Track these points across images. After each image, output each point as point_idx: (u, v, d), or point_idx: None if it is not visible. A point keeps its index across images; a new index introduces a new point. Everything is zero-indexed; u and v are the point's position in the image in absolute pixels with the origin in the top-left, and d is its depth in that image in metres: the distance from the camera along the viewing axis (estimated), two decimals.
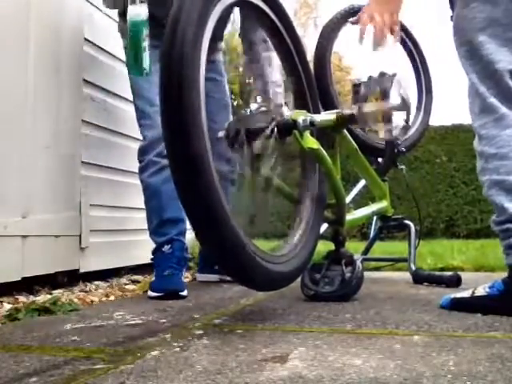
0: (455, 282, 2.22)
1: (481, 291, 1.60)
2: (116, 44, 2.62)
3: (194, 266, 2.83)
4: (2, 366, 1.09)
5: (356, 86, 2.50)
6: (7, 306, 1.82)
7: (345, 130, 2.08)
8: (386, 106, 1.91)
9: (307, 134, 1.66)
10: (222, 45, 2.55)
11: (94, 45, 2.60)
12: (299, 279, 1.85)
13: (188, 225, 2.12)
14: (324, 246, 2.18)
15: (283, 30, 1.80)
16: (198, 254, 2.76)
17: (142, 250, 2.53)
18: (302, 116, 1.63)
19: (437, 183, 8.95)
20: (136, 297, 2.20)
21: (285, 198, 1.86)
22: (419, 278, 2.37)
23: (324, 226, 2.15)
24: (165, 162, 1.97)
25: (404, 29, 2.79)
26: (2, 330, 1.49)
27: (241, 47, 2.56)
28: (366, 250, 2.81)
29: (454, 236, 8.39)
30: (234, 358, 1.12)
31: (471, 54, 1.62)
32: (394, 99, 1.96)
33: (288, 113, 1.66)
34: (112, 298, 2.17)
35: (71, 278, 2.37)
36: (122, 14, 2.23)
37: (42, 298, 1.99)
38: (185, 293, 2.06)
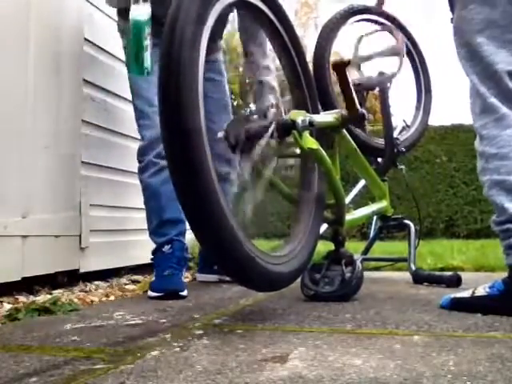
0: (455, 282, 2.22)
1: (481, 291, 1.60)
2: (116, 44, 2.62)
3: (193, 266, 2.83)
4: (2, 366, 1.09)
5: (355, 86, 2.51)
6: (7, 306, 1.82)
7: (344, 130, 2.09)
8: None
9: (306, 134, 1.66)
10: (222, 44, 2.54)
11: (94, 45, 2.60)
12: (299, 279, 1.86)
13: (188, 225, 2.12)
14: (324, 246, 2.18)
15: (282, 31, 1.80)
16: (198, 254, 2.76)
17: (142, 250, 2.53)
18: (301, 116, 1.63)
19: (437, 183, 8.94)
20: (136, 297, 2.20)
21: (284, 198, 1.86)
22: (419, 278, 2.37)
23: (324, 226, 2.15)
24: (164, 162, 1.96)
25: (402, 28, 2.79)
26: (1, 330, 1.49)
27: (241, 47, 2.56)
28: (366, 250, 2.81)
29: (453, 236, 8.38)
30: (234, 357, 1.12)
31: (471, 56, 1.62)
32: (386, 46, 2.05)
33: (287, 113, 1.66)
34: (112, 297, 2.17)
35: (71, 278, 2.37)
36: (123, 13, 2.23)
37: (42, 297, 1.99)
38: (185, 293, 2.06)
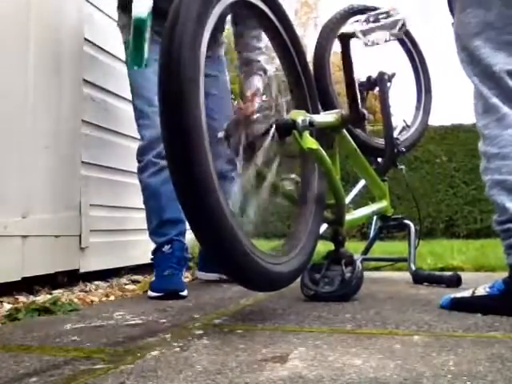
0: (455, 282, 2.22)
1: (481, 291, 1.60)
2: (116, 44, 2.62)
3: (193, 266, 2.83)
4: (2, 366, 1.09)
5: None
6: (7, 306, 1.82)
7: (344, 130, 2.09)
8: None
9: (306, 134, 1.66)
10: (223, 39, 2.52)
11: (94, 45, 2.60)
12: (299, 279, 1.85)
13: (188, 225, 2.12)
14: (324, 246, 2.18)
15: (282, 31, 1.80)
16: (198, 253, 2.76)
17: (142, 250, 2.53)
18: (301, 116, 1.63)
19: (437, 183, 8.94)
20: (136, 297, 2.20)
21: (284, 198, 1.86)
22: (419, 278, 2.37)
23: (324, 226, 2.15)
24: (164, 162, 1.97)
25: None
26: (1, 330, 1.49)
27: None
28: (366, 250, 2.81)
29: (453, 236, 8.38)
30: (234, 357, 1.12)
31: (470, 59, 1.64)
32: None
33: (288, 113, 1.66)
34: (112, 298, 2.17)
35: (71, 278, 2.37)
36: (124, 8, 2.23)
37: (42, 297, 1.99)
38: (185, 293, 2.06)
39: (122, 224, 2.78)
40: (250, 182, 1.60)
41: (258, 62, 2.46)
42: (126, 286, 2.46)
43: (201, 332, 1.39)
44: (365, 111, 2.06)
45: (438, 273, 2.50)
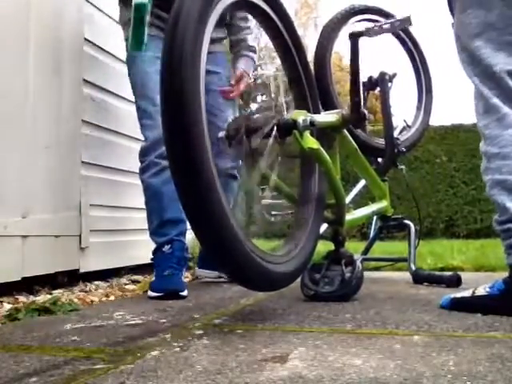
0: (455, 282, 2.22)
1: (481, 291, 1.60)
2: (116, 44, 2.63)
3: (193, 266, 2.83)
4: (2, 366, 1.09)
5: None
6: (7, 306, 1.82)
7: (345, 130, 2.09)
8: None
9: (307, 134, 1.66)
10: (225, 35, 2.51)
11: (94, 45, 2.60)
12: (299, 279, 1.85)
13: (188, 225, 2.12)
14: (324, 246, 2.18)
15: (283, 30, 1.80)
16: (199, 253, 2.75)
17: (142, 250, 2.53)
18: (301, 116, 1.63)
19: (437, 183, 8.94)
20: (136, 297, 2.20)
21: (284, 197, 1.86)
22: (419, 278, 2.37)
23: (324, 226, 2.15)
24: (166, 163, 1.96)
25: (403, 28, 2.79)
26: (1, 330, 1.49)
27: None
28: (366, 250, 2.81)
29: (453, 236, 8.38)
30: (234, 357, 1.12)
31: (471, 59, 1.64)
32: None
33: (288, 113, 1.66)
34: (112, 298, 2.17)
35: (71, 278, 2.37)
36: (125, 2, 2.23)
37: (42, 297, 1.99)
38: (185, 293, 2.06)
39: (122, 224, 2.78)
40: (250, 182, 1.60)
41: (245, 41, 2.48)
42: (126, 286, 2.46)
43: (201, 332, 1.39)
44: (365, 111, 2.05)
45: (438, 273, 2.49)
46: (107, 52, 2.69)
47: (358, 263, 1.92)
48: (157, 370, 1.04)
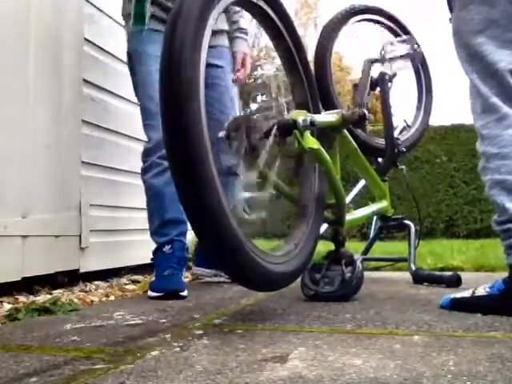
0: (455, 282, 2.22)
1: (481, 291, 1.60)
2: (116, 44, 2.63)
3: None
4: (2, 366, 1.09)
5: (356, 86, 2.52)
6: (7, 306, 1.82)
7: (345, 130, 2.08)
8: None
9: (307, 133, 1.66)
10: (226, 28, 2.50)
11: (94, 45, 2.60)
12: (299, 279, 1.85)
13: (189, 225, 2.12)
14: (324, 246, 2.18)
15: (284, 30, 1.80)
16: (194, 250, 2.74)
17: (142, 250, 2.53)
18: (302, 116, 1.63)
19: (437, 183, 8.94)
20: (136, 297, 2.20)
21: (285, 197, 1.86)
22: (419, 278, 2.37)
23: (324, 226, 2.15)
24: (167, 163, 1.96)
25: (403, 28, 2.79)
26: (1, 330, 1.49)
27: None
28: (366, 250, 2.80)
29: (453, 236, 8.38)
30: (234, 357, 1.12)
31: (471, 56, 1.62)
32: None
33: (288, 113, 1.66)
34: (112, 298, 2.17)
35: (71, 278, 2.37)
36: None
37: (42, 297, 1.99)
38: (185, 293, 2.06)
39: (122, 224, 2.78)
40: (250, 182, 1.59)
41: (237, 23, 2.49)
42: (126, 286, 2.46)
43: (201, 332, 1.39)
44: (365, 111, 2.05)
45: (438, 273, 2.49)
46: (107, 52, 2.69)
47: (358, 263, 1.92)
48: (157, 369, 1.04)
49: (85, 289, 2.32)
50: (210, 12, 1.42)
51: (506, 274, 1.58)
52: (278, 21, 1.77)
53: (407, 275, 2.44)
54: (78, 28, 2.48)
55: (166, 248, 2.18)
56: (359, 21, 2.62)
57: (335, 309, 1.70)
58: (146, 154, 2.24)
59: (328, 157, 1.77)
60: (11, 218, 2.03)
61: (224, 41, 2.46)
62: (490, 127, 1.58)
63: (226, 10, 2.48)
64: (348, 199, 2.46)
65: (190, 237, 2.26)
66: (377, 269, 2.92)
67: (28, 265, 2.09)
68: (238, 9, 2.48)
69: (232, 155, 1.54)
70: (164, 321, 1.57)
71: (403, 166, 2.63)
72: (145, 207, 2.28)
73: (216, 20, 1.46)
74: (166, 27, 1.37)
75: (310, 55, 2.53)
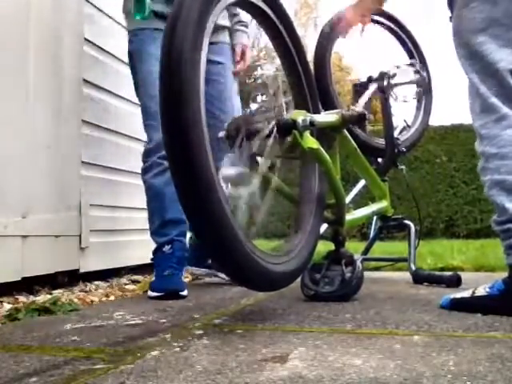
0: (455, 282, 2.22)
1: (481, 291, 1.60)
2: (116, 44, 2.63)
3: None
4: (2, 366, 1.09)
5: (356, 86, 2.52)
6: (7, 306, 1.82)
7: (345, 130, 2.09)
8: None
9: (307, 133, 1.66)
10: (228, 24, 2.48)
11: (94, 45, 2.60)
12: (299, 279, 1.85)
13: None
14: (324, 246, 2.18)
15: (283, 30, 1.80)
16: (189, 248, 2.74)
17: (142, 250, 2.53)
18: (301, 116, 1.63)
19: (437, 183, 8.95)
20: (136, 297, 2.20)
21: (285, 198, 1.86)
22: (419, 278, 2.37)
23: (324, 226, 2.15)
24: (168, 163, 1.96)
25: (403, 28, 2.79)
26: (1, 330, 1.49)
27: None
28: (366, 250, 2.81)
29: (453, 236, 8.39)
30: (234, 357, 1.12)
31: (471, 55, 1.61)
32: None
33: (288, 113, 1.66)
34: (112, 298, 2.17)
35: (71, 278, 2.37)
36: None
37: (42, 297, 1.99)
38: (185, 292, 2.06)
39: (122, 224, 2.78)
40: (250, 182, 1.59)
41: (236, 15, 2.48)
42: (126, 286, 2.46)
43: (201, 332, 1.39)
44: (365, 111, 2.05)
45: (437, 273, 2.50)
46: (107, 52, 2.69)
47: (358, 263, 1.92)
48: (157, 369, 1.04)
49: (85, 289, 2.32)
50: (210, 12, 1.42)
51: (505, 274, 1.58)
52: (278, 21, 1.77)
53: (407, 275, 2.44)
54: (78, 28, 2.48)
55: (166, 248, 2.18)
56: None
57: (335, 309, 1.70)
58: (147, 155, 2.23)
59: (328, 157, 1.77)
60: (11, 218, 2.03)
61: (225, 37, 2.45)
62: (489, 127, 1.58)
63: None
64: (348, 199, 2.46)
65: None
66: (377, 269, 2.93)
67: (28, 265, 2.09)
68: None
69: (232, 155, 1.54)
70: (164, 321, 1.57)
71: (403, 166, 2.63)
72: (145, 207, 2.28)
73: (216, 20, 1.46)
74: (166, 27, 1.37)
75: (310, 55, 2.53)
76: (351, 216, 2.15)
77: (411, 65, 2.53)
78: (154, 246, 2.24)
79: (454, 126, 9.15)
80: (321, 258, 1.98)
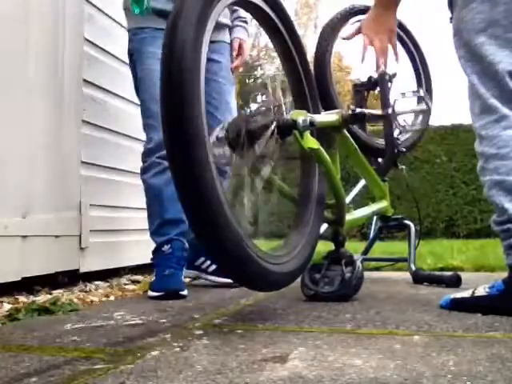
0: (455, 282, 2.22)
1: (481, 291, 1.60)
2: (116, 44, 2.63)
3: None
4: (2, 366, 1.09)
5: (356, 87, 2.52)
6: (7, 306, 1.82)
7: (345, 130, 2.09)
8: None
9: (307, 134, 1.66)
10: (228, 23, 2.48)
11: (94, 45, 2.60)
12: (299, 279, 1.85)
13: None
14: (324, 246, 2.18)
15: (283, 30, 1.80)
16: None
17: (142, 250, 2.53)
18: (301, 116, 1.63)
19: (437, 183, 8.96)
20: (136, 297, 2.20)
21: (285, 197, 1.86)
22: (419, 278, 2.37)
23: (324, 226, 2.15)
24: (167, 163, 1.96)
25: (404, 29, 2.79)
26: (1, 330, 1.49)
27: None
28: (366, 250, 2.81)
29: (453, 236, 8.40)
30: (234, 358, 1.12)
31: (471, 55, 1.61)
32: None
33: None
34: (112, 298, 2.17)
35: (71, 278, 2.37)
36: None
37: (42, 298, 1.99)
38: (185, 292, 2.06)
39: (122, 224, 2.78)
40: (250, 182, 1.59)
41: (236, 11, 2.48)
42: (126, 286, 2.46)
43: (201, 332, 1.39)
44: (365, 111, 2.05)
45: (437, 273, 2.50)
46: (107, 52, 2.69)
47: (358, 263, 1.92)
48: (157, 370, 1.04)
49: (85, 289, 2.32)
50: (211, 11, 1.42)
51: (505, 275, 1.58)
52: (278, 21, 1.77)
53: (407, 275, 2.44)
54: (78, 28, 2.48)
55: (166, 248, 2.18)
56: (359, 21, 2.61)
57: (335, 309, 1.70)
58: (146, 154, 2.23)
59: (328, 157, 1.77)
60: (11, 218, 2.03)
61: (225, 36, 2.44)
62: (489, 128, 1.58)
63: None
64: (348, 199, 2.46)
65: None
66: (377, 269, 2.93)
67: (28, 265, 2.09)
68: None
69: (231, 155, 1.54)
70: (164, 321, 1.57)
71: (403, 166, 2.62)
72: (145, 207, 2.28)
73: (217, 18, 1.46)
74: (167, 25, 1.37)
75: (310, 55, 2.53)
76: (351, 216, 2.15)
77: (416, 92, 2.54)
78: (153, 245, 2.24)
79: (454, 126, 9.16)
80: (321, 258, 1.98)
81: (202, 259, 2.42)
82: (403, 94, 2.47)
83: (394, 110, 2.28)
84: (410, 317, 1.55)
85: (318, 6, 20.49)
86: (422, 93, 2.53)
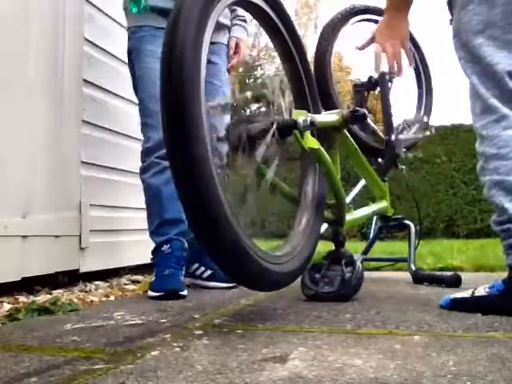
0: (455, 282, 2.22)
1: (481, 291, 1.60)
2: (116, 44, 2.63)
3: None
4: (2, 366, 1.09)
5: (356, 87, 2.52)
6: (7, 306, 1.82)
7: (345, 130, 2.09)
8: None
9: (308, 134, 1.66)
10: (227, 23, 2.46)
11: (94, 45, 2.59)
12: (299, 279, 1.85)
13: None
14: (324, 246, 2.18)
15: (284, 30, 1.80)
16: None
17: (142, 250, 2.53)
18: (302, 116, 1.63)
19: (437, 183, 8.96)
20: (136, 297, 2.20)
21: (285, 197, 1.86)
22: (419, 278, 2.37)
23: (324, 226, 2.15)
24: (166, 163, 1.96)
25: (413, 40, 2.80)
26: (1, 330, 1.49)
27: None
28: (366, 250, 2.80)
29: (453, 236, 8.40)
30: (234, 358, 1.12)
31: (470, 56, 1.62)
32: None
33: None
34: (112, 298, 2.17)
35: (71, 278, 2.37)
36: None
37: (42, 298, 1.99)
38: (185, 292, 2.06)
39: (122, 224, 2.78)
40: (250, 182, 1.59)
41: (235, 10, 2.47)
42: (126, 286, 2.46)
43: (201, 332, 1.39)
44: (365, 111, 2.05)
45: (437, 273, 2.50)
46: (107, 52, 2.69)
47: (358, 263, 1.92)
48: (157, 370, 1.04)
49: (85, 289, 2.32)
50: (212, 10, 1.42)
51: (505, 275, 1.58)
52: (278, 21, 1.77)
53: (407, 275, 2.44)
54: (78, 28, 2.48)
55: (165, 247, 2.18)
56: (359, 21, 2.62)
57: (335, 309, 1.70)
58: (145, 154, 2.23)
59: (328, 157, 1.77)
60: (11, 218, 2.03)
61: (223, 37, 2.44)
62: (489, 128, 1.58)
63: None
64: (348, 199, 2.46)
65: None
66: (377, 269, 2.93)
67: (28, 265, 2.09)
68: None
69: (231, 155, 1.55)
70: (164, 321, 1.57)
71: (403, 166, 2.63)
72: (144, 207, 2.28)
73: (217, 18, 1.46)
74: (167, 25, 1.37)
75: (310, 55, 2.53)
76: (351, 216, 2.15)
77: (420, 119, 2.55)
78: (154, 245, 2.24)
79: (454, 126, 9.16)
80: (321, 258, 1.98)
81: (196, 265, 2.38)
82: (406, 121, 2.50)
83: (397, 137, 2.29)
84: (410, 317, 1.55)
85: (319, 6, 20.49)
86: (426, 119, 2.56)
